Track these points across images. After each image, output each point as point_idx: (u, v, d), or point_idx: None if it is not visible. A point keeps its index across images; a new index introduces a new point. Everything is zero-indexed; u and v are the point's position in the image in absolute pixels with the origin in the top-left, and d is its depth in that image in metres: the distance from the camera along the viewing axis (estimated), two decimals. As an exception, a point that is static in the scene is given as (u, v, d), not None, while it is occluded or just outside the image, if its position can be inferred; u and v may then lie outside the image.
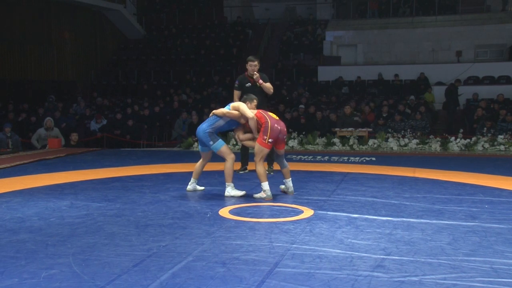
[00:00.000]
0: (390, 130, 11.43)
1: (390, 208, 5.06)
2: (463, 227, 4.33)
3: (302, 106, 13.50)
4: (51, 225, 4.43)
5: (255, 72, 6.98)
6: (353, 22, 19.73)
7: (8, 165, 8.09)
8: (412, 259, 3.48)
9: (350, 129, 11.07)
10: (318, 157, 9.29)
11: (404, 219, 4.62)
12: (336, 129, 11.28)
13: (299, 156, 9.52)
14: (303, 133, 11.06)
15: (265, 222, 4.52)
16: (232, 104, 5.73)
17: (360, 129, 11.12)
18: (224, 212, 4.90)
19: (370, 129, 11.39)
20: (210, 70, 18.83)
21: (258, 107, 5.89)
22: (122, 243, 3.85)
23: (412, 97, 14.62)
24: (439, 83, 15.93)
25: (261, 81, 7.00)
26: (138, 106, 14.80)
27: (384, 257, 3.51)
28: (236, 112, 5.63)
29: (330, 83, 16.98)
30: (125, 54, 20.92)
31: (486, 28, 17.66)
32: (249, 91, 6.83)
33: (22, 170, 7.71)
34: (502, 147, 10.07)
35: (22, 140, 11.70)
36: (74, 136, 11.48)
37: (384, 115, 12.73)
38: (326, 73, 17.42)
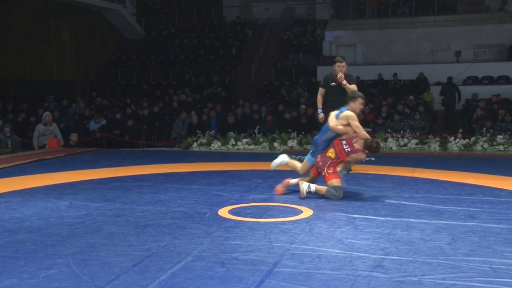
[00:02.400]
0: (389, 130, 11.43)
1: (389, 208, 5.06)
2: (462, 227, 4.33)
3: (303, 106, 13.51)
4: (50, 225, 4.43)
5: (339, 73, 7.11)
6: (352, 22, 19.73)
7: (7, 165, 8.08)
8: (411, 259, 3.48)
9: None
10: (318, 157, 9.27)
11: (403, 219, 4.62)
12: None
13: (298, 156, 9.51)
14: (303, 133, 11.06)
15: (264, 222, 4.52)
16: (342, 114, 5.57)
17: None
18: (223, 212, 4.90)
19: (370, 129, 11.38)
20: (209, 70, 18.84)
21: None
22: (121, 243, 3.85)
23: (411, 97, 14.63)
24: (438, 83, 15.94)
25: (344, 81, 7.12)
26: (137, 106, 14.80)
27: (383, 257, 3.51)
28: (341, 128, 5.52)
29: (329, 83, 16.97)
30: (125, 54, 20.92)
31: (485, 28, 17.67)
32: (332, 90, 7.28)
33: (21, 170, 7.71)
34: (501, 147, 10.07)
35: (22, 140, 11.69)
36: (74, 136, 11.48)
37: (383, 115, 12.74)
38: (325, 73, 17.40)
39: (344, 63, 7.13)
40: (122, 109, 14.57)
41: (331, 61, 19.07)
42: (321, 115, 7.46)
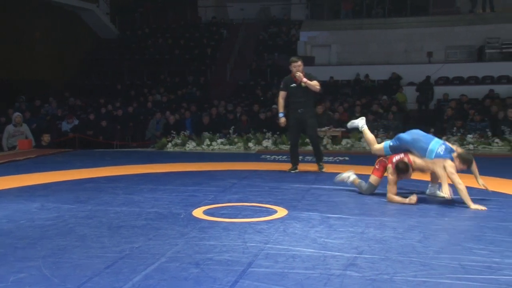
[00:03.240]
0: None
1: (363, 207, 5.12)
2: (433, 224, 4.41)
3: (275, 106, 13.53)
4: (21, 227, 4.35)
5: (297, 73, 7.10)
6: (327, 23, 19.86)
7: (-23, 167, 7.91)
8: (383, 257, 3.52)
9: (323, 128, 11.15)
10: (293, 157, 9.31)
11: (376, 218, 4.67)
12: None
13: (273, 156, 9.56)
14: (277, 133, 11.10)
15: (239, 222, 4.52)
16: (448, 169, 5.08)
17: (333, 128, 11.21)
18: (198, 212, 4.88)
19: (344, 129, 11.49)
20: (184, 70, 18.75)
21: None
22: (94, 245, 3.80)
23: (384, 97, 14.82)
24: (411, 83, 16.17)
25: (304, 79, 7.14)
26: (112, 106, 14.65)
27: (357, 255, 3.55)
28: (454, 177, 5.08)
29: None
30: (99, 54, 20.67)
31: (456, 29, 17.98)
32: (294, 92, 7.25)
33: (-9, 172, 7.55)
34: (471, 146, 10.29)
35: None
36: (46, 137, 11.30)
37: (357, 115, 12.84)
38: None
39: (299, 62, 7.18)
40: (96, 109, 14.40)
41: (306, 61, 19.13)
42: (283, 119, 7.47)
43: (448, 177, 5.04)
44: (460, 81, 16.32)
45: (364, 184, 5.79)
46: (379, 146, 5.88)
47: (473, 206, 4.96)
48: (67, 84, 18.77)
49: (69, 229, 4.29)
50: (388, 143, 5.72)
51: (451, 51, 18.31)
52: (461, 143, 10.40)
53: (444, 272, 3.20)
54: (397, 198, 5.33)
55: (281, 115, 7.50)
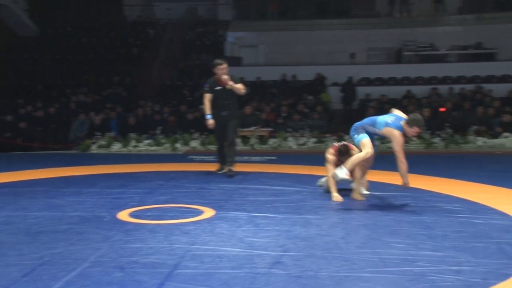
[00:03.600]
0: (289, 129, 11.77)
1: (289, 206, 5.21)
2: (355, 221, 4.58)
3: (201, 106, 13.49)
4: None
5: (223, 76, 7.05)
6: (254, 24, 20.03)
7: None
8: (308, 254, 3.61)
9: (251, 128, 11.26)
10: (220, 157, 9.32)
11: (302, 216, 4.78)
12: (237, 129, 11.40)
13: (201, 157, 9.53)
14: (205, 133, 11.07)
15: (166, 224, 4.47)
16: (390, 130, 5.21)
17: (261, 129, 11.35)
18: (123, 215, 4.78)
19: (271, 129, 11.66)
20: (109, 70, 18.25)
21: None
22: (10, 253, 3.63)
23: (310, 97, 15.16)
24: (335, 84, 16.65)
25: (230, 82, 7.09)
26: (32, 107, 13.99)
27: (282, 253, 3.62)
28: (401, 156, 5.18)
29: (232, 83, 17.13)
30: (16, 52, 19.66)
31: (376, 32, 18.72)
32: (220, 94, 7.18)
33: None
34: (390, 144, 10.73)
35: None
36: (-42, 140, 10.63)
37: (284, 114, 13.08)
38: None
39: (224, 65, 7.18)
40: (13, 110, 13.70)
41: (233, 61, 19.10)
42: (211, 121, 7.35)
43: (395, 152, 5.16)
44: (381, 81, 17.01)
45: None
46: (363, 154, 5.48)
47: (406, 181, 5.24)
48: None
49: (-16, 237, 4.06)
50: (357, 138, 5.51)
51: (372, 53, 19.05)
52: (381, 141, 10.84)
53: (365, 266, 3.34)
54: (332, 184, 5.56)
55: (209, 117, 7.35)
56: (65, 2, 22.02)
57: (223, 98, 7.26)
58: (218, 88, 7.22)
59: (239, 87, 7.20)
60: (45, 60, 18.95)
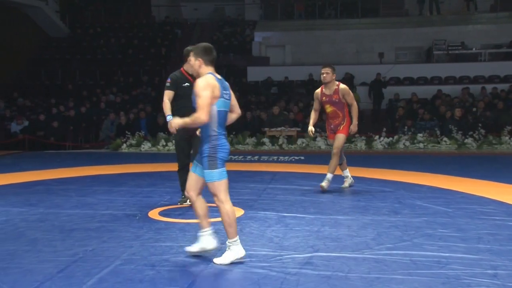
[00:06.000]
0: (318, 129, 11.70)
1: (318, 206, 5.19)
2: (386, 222, 4.52)
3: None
4: (-32, 233, 4.18)
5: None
6: (281, 23, 20.01)
7: None
8: (338, 255, 3.59)
9: (279, 128, 11.24)
10: (248, 156, 9.36)
11: (331, 216, 4.75)
12: (266, 129, 11.41)
13: (229, 156, 9.54)
14: (234, 133, 11.10)
15: (195, 223, 4.48)
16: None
17: (289, 128, 11.32)
18: (154, 214, 4.83)
19: (299, 129, 11.62)
20: (138, 70, 18.47)
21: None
22: (46, 249, 3.70)
23: (338, 97, 15.02)
24: (364, 84, 16.50)
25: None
26: (63, 106, 14.26)
27: (312, 254, 3.60)
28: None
29: (259, 83, 17.14)
30: (48, 53, 20.07)
31: (405, 31, 18.48)
32: (187, 92, 4.94)
33: None
34: (421, 145, 10.61)
35: None
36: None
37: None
38: (255, 74, 17.56)
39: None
40: (46, 110, 13.99)
41: (260, 61, 19.11)
42: (175, 121, 4.83)
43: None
44: (410, 81, 16.78)
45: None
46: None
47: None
48: (15, 84, 18.15)
49: (19, 233, 4.16)
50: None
51: (400, 52, 18.80)
52: (412, 141, 10.71)
53: (396, 268, 3.29)
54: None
55: (169, 118, 5.08)
56: (95, 4, 22.38)
57: (190, 99, 4.00)
58: (186, 84, 5.29)
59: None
60: (76, 60, 19.29)
